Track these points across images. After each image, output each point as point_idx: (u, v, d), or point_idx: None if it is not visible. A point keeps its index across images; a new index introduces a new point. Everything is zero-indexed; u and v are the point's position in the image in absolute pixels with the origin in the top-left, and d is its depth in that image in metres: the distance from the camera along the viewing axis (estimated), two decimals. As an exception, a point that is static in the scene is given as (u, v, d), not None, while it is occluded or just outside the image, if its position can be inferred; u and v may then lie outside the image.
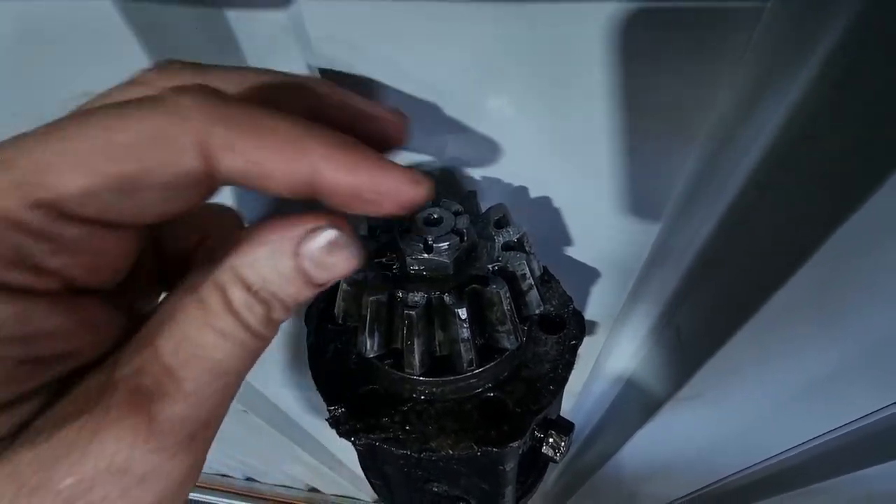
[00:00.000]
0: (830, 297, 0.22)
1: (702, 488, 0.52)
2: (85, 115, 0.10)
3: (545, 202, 0.24)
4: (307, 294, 0.13)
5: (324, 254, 0.13)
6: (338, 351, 0.20)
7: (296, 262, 0.13)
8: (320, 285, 0.13)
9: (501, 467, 0.18)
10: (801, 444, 0.37)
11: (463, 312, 0.16)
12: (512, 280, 0.18)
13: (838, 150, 0.18)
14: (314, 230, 0.13)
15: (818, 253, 0.20)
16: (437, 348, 0.18)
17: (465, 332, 0.17)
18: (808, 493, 0.39)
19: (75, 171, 0.10)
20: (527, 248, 0.19)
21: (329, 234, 0.13)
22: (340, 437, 0.18)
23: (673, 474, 0.53)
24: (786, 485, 0.41)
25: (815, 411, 0.33)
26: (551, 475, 0.75)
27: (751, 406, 0.35)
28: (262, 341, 0.13)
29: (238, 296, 0.12)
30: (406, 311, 0.16)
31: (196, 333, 0.12)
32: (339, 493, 1.04)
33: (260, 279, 0.12)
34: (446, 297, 0.17)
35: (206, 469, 1.03)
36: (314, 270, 0.13)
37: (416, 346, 0.17)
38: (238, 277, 0.12)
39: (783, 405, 0.33)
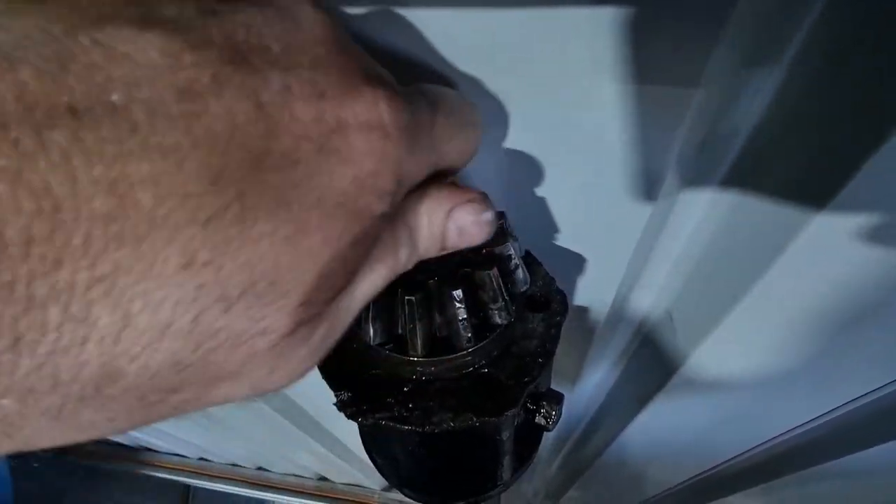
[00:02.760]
0: (816, 284, 0.23)
1: (705, 471, 0.53)
2: None
3: (531, 187, 0.24)
4: (432, 254, 0.16)
5: (470, 224, 0.16)
6: (338, 343, 0.22)
7: (446, 222, 0.15)
8: (444, 250, 0.16)
9: (498, 437, 0.20)
10: (802, 425, 0.37)
11: (458, 294, 0.18)
12: (499, 261, 0.19)
13: (825, 131, 0.19)
14: (471, 201, 0.16)
15: (807, 231, 0.20)
16: (437, 330, 0.19)
17: (461, 313, 0.18)
18: (811, 476, 0.40)
19: None
20: (509, 231, 0.20)
21: (480, 210, 0.16)
22: (348, 418, 0.20)
23: (675, 458, 0.53)
24: (789, 467, 0.42)
25: (813, 393, 0.33)
26: (555, 463, 0.76)
27: (747, 389, 0.35)
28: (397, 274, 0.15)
29: (403, 239, 0.15)
30: (407, 298, 0.18)
31: (375, 266, 0.14)
32: (349, 482, 1.05)
33: (415, 225, 0.15)
34: (442, 283, 0.18)
35: (216, 459, 1.05)
36: (454, 234, 0.16)
37: (418, 330, 0.19)
38: (403, 223, 0.15)
39: (781, 387, 0.34)
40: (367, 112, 0.12)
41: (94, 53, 0.09)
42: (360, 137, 0.12)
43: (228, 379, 0.12)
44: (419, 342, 0.19)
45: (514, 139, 0.21)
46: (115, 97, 0.09)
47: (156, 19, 0.10)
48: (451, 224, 0.16)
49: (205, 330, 0.10)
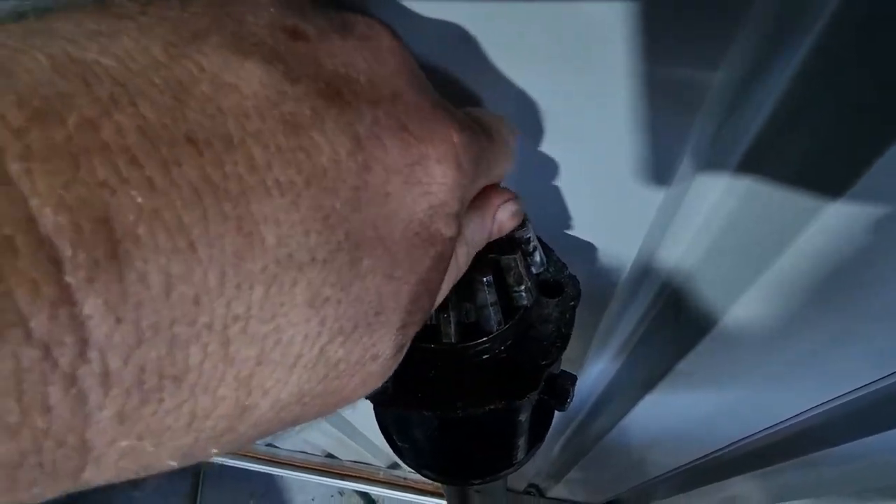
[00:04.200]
0: (829, 271, 0.23)
1: (707, 455, 0.54)
2: None
3: (541, 174, 0.24)
4: (479, 247, 0.18)
5: (507, 220, 0.18)
6: None
7: (492, 225, 0.18)
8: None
9: (518, 418, 0.21)
10: (804, 412, 0.38)
11: (490, 279, 0.19)
12: (520, 244, 0.20)
13: (845, 117, 0.18)
14: (506, 202, 0.18)
15: (821, 220, 0.20)
16: (466, 316, 0.20)
17: (492, 297, 0.19)
18: (811, 461, 0.40)
19: None
20: (524, 216, 0.21)
21: (514, 205, 0.18)
22: (375, 406, 0.20)
23: (677, 442, 0.54)
24: (789, 453, 0.43)
25: (812, 382, 0.34)
26: (557, 444, 0.77)
27: (751, 378, 0.36)
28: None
29: (461, 252, 0.16)
30: None
31: (445, 280, 0.15)
32: (355, 459, 1.08)
33: (470, 235, 0.17)
34: (471, 270, 0.19)
35: None
36: (496, 231, 0.18)
37: (451, 318, 0.19)
38: (461, 235, 0.16)
39: (783, 377, 0.34)
40: (444, 144, 0.12)
41: (202, 83, 0.09)
42: (439, 169, 0.12)
43: (341, 404, 0.13)
44: (452, 330, 0.19)
45: (524, 124, 0.21)
46: (230, 130, 0.09)
47: (249, 44, 0.10)
48: (494, 226, 0.17)
49: (328, 361, 0.11)
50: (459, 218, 0.14)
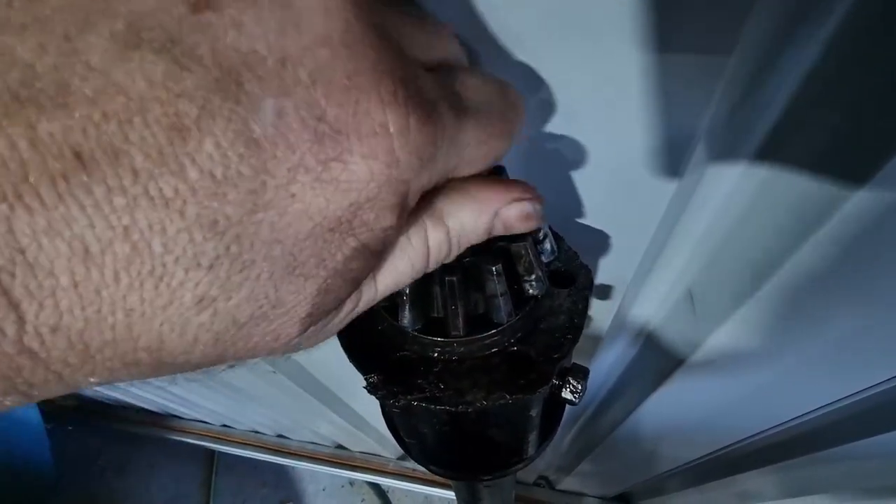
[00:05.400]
0: (848, 264, 0.23)
1: (718, 449, 0.53)
2: None
3: (554, 162, 0.24)
4: (480, 241, 0.16)
5: (515, 220, 0.16)
6: (364, 326, 0.22)
7: (492, 220, 0.16)
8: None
9: (529, 413, 0.20)
10: (819, 408, 0.37)
11: (499, 269, 0.18)
12: (528, 232, 0.19)
13: (867, 102, 0.18)
14: (518, 199, 0.16)
15: (844, 209, 0.20)
16: (475, 308, 0.19)
17: (502, 286, 0.18)
18: (825, 457, 0.40)
19: None
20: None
21: (527, 207, 0.16)
22: (380, 400, 0.20)
23: (688, 436, 0.54)
24: (803, 449, 0.42)
25: (829, 377, 0.33)
26: (568, 436, 0.77)
27: (765, 372, 0.35)
28: (432, 268, 0.16)
29: (435, 237, 0.15)
30: (448, 279, 0.18)
31: (398, 261, 0.15)
32: (365, 451, 1.09)
33: (459, 226, 0.15)
34: (480, 259, 0.18)
35: (238, 425, 1.08)
36: (500, 229, 0.16)
37: (459, 309, 0.19)
38: (440, 222, 0.15)
39: (796, 371, 0.34)
40: (374, 138, 0.11)
41: (88, 85, 0.09)
42: (363, 166, 0.11)
43: (259, 355, 0.13)
44: (461, 322, 0.19)
45: (537, 112, 0.21)
46: (113, 140, 0.09)
47: (141, 28, 0.09)
48: (497, 222, 0.16)
49: (225, 342, 0.12)
50: (403, 207, 0.13)
